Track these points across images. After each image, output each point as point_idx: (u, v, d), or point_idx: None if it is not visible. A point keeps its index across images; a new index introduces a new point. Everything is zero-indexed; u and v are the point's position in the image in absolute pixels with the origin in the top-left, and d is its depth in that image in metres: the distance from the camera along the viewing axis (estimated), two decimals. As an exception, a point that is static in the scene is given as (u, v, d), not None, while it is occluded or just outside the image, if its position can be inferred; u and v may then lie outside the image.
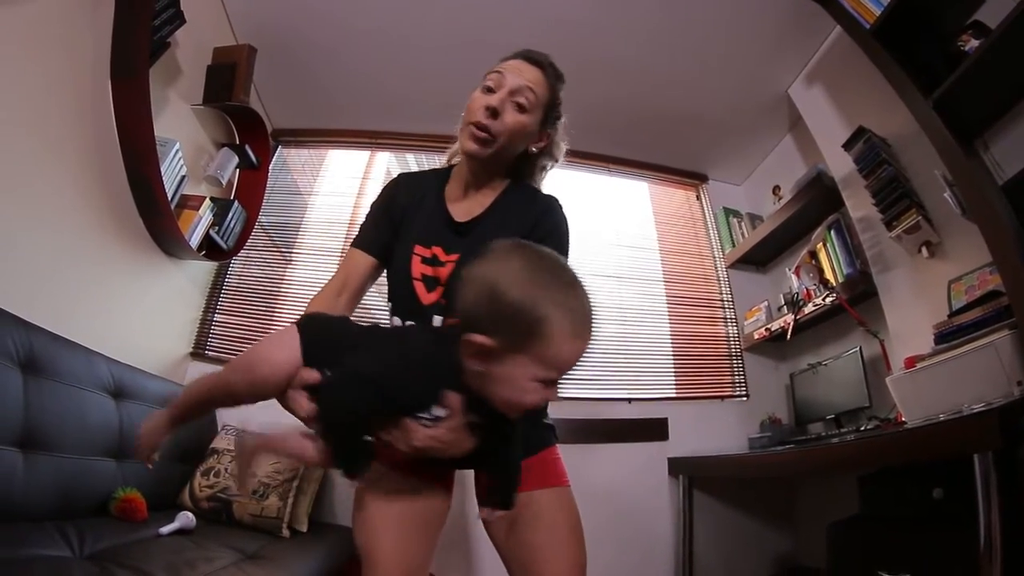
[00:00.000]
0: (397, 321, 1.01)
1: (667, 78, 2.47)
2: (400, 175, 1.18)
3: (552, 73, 1.05)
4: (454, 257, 0.99)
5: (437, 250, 1.01)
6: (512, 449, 0.85)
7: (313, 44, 2.38)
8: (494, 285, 0.63)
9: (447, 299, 0.96)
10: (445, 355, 0.69)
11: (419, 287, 0.99)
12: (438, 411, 0.71)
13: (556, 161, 1.14)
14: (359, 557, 0.94)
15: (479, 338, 0.63)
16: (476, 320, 0.64)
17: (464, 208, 1.06)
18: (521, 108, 0.99)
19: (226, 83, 2.15)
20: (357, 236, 1.10)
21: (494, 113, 0.97)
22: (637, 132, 2.83)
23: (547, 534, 0.95)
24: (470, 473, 1.04)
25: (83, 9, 1.54)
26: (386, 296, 1.07)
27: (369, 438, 0.72)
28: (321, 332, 0.80)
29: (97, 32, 1.59)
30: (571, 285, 0.66)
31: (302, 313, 0.92)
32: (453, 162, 1.15)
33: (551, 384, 0.67)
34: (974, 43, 1.47)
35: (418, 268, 1.00)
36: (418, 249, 1.01)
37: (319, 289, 1.06)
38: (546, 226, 1.02)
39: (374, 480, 0.98)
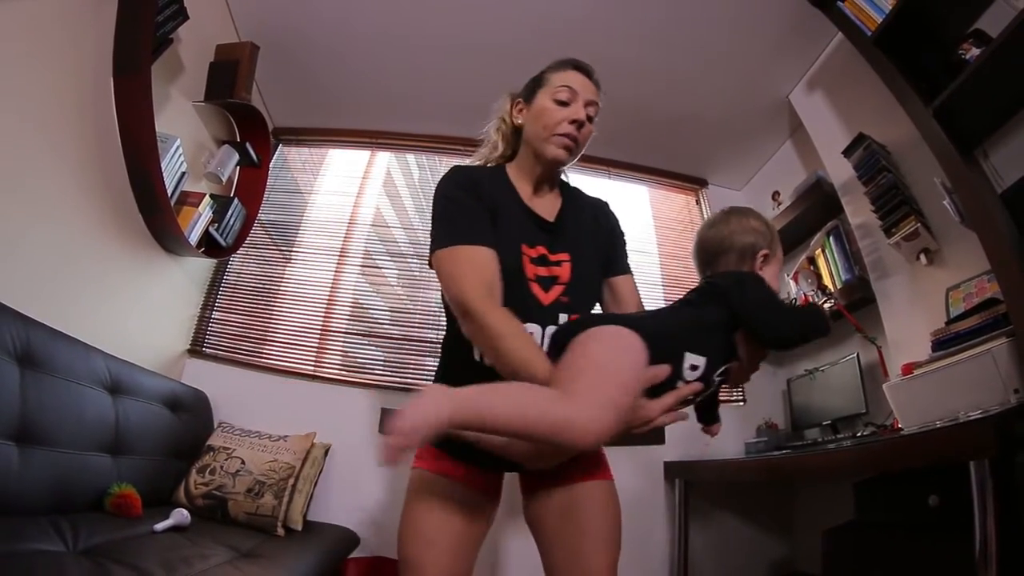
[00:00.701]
0: None
1: (668, 82, 2.47)
2: (459, 167, 1.09)
3: (598, 84, 1.12)
4: (564, 256, 1.04)
5: (542, 250, 1.03)
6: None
7: (315, 43, 2.39)
8: (747, 224, 0.99)
9: (570, 297, 1.00)
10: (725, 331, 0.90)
11: (535, 288, 0.99)
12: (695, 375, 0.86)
13: None
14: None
15: (763, 251, 0.96)
16: (752, 246, 0.97)
17: (541, 207, 1.09)
18: (590, 120, 1.09)
19: (228, 80, 2.15)
20: (457, 232, 0.95)
21: (580, 125, 1.05)
22: (637, 136, 2.83)
23: (599, 522, 0.99)
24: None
25: (86, 5, 1.54)
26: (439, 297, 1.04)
27: None
28: (647, 325, 0.82)
29: (100, 28, 1.59)
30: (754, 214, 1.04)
31: (489, 334, 0.84)
32: (489, 162, 1.17)
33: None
34: (975, 52, 1.47)
35: (531, 268, 1.00)
36: (525, 248, 1.01)
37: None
38: (614, 223, 1.20)
39: (426, 489, 1.00)
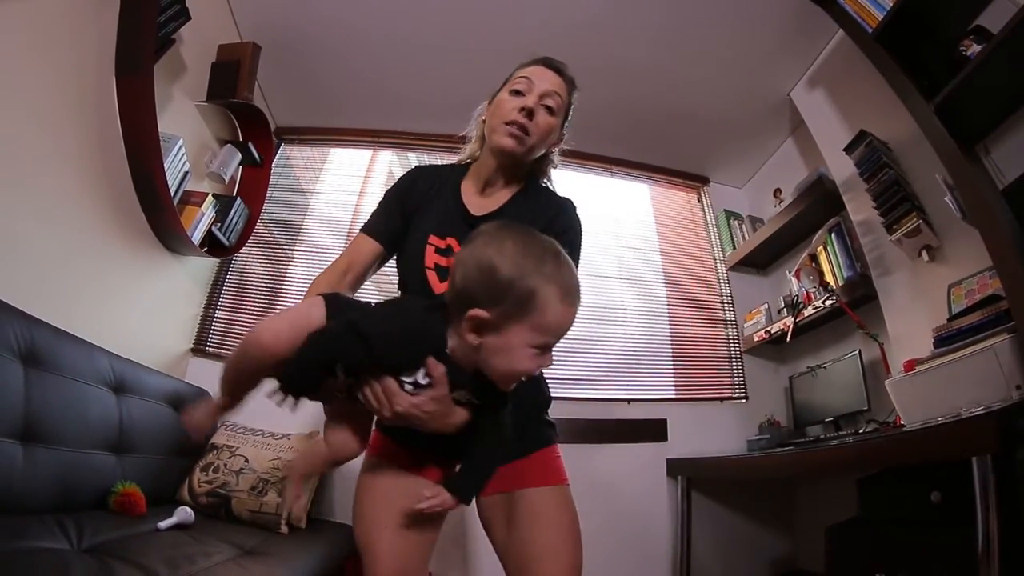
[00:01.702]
0: None
1: (669, 80, 2.47)
2: (417, 167, 1.20)
3: (569, 80, 1.10)
4: None
5: (452, 241, 1.03)
6: (497, 438, 0.85)
7: (317, 43, 2.39)
8: (488, 262, 0.70)
9: None
10: (434, 322, 0.75)
11: (432, 276, 1.02)
12: (422, 379, 0.74)
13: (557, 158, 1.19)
14: (358, 552, 0.95)
15: (477, 311, 0.69)
16: (473, 296, 0.70)
17: (480, 203, 1.09)
18: (550, 111, 1.05)
19: (230, 80, 2.16)
20: (367, 222, 1.12)
21: (529, 114, 1.02)
22: (639, 134, 2.83)
23: (546, 532, 0.96)
24: None
25: (88, 5, 1.54)
26: (396, 285, 1.11)
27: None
28: (346, 307, 0.83)
29: (102, 28, 1.59)
30: (557, 257, 0.73)
31: (308, 290, 1.02)
32: (466, 162, 1.17)
33: (545, 350, 0.73)
34: (976, 48, 1.47)
35: (431, 258, 1.03)
36: (432, 239, 1.04)
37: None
38: (559, 225, 1.05)
39: (373, 474, 1.00)
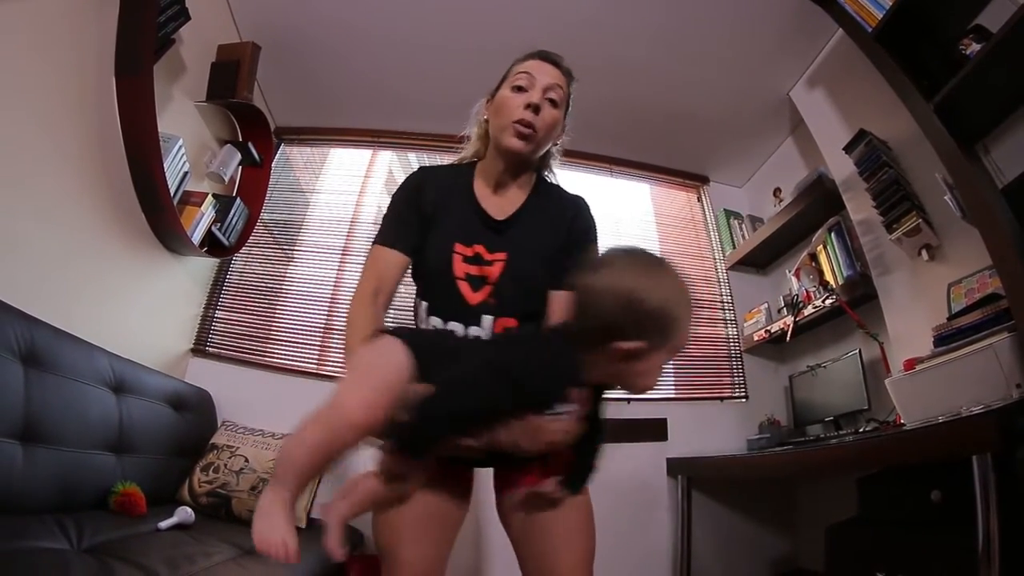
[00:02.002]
0: (437, 321, 0.99)
1: (669, 79, 2.47)
2: (421, 168, 1.16)
3: (567, 71, 1.08)
4: (500, 256, 1.00)
5: (479, 248, 1.00)
6: (602, 435, 0.87)
7: (317, 43, 2.39)
8: (631, 294, 0.69)
9: (496, 298, 0.98)
10: (566, 352, 0.74)
11: (464, 287, 0.98)
12: (562, 407, 0.75)
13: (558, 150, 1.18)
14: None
15: (629, 344, 0.70)
16: (619, 329, 0.70)
17: (497, 205, 1.06)
18: (554, 104, 1.04)
19: (230, 80, 2.16)
20: (383, 233, 1.05)
21: (536, 109, 1.01)
22: (639, 133, 2.83)
23: (563, 523, 0.97)
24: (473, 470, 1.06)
25: (88, 5, 1.54)
26: (416, 294, 1.07)
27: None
28: (426, 344, 0.78)
29: (102, 28, 1.59)
30: (677, 277, 0.75)
31: (347, 320, 0.97)
32: (466, 160, 1.16)
33: None
34: (975, 47, 1.47)
35: (460, 267, 0.99)
36: (459, 248, 1.00)
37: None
38: (581, 226, 1.08)
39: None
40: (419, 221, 1.04)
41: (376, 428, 0.70)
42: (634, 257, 0.76)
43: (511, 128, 1.01)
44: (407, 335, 0.77)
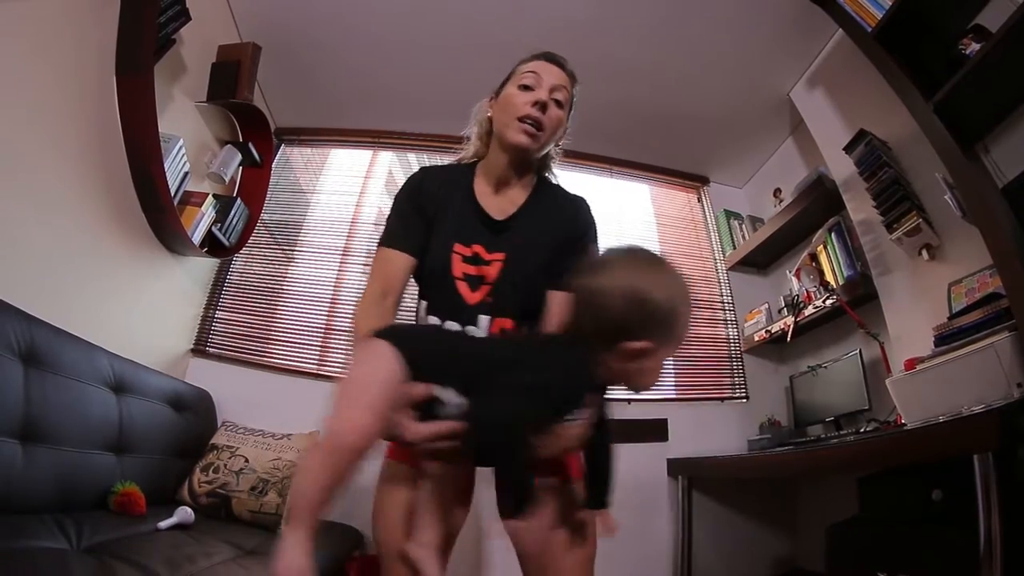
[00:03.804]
0: (435, 320, 0.99)
1: (669, 80, 2.48)
2: (422, 168, 1.15)
3: (571, 74, 1.09)
4: (499, 256, 1.00)
5: (478, 248, 1.01)
6: (608, 436, 0.87)
7: (317, 43, 2.39)
8: (638, 294, 0.70)
9: (494, 298, 0.98)
10: (581, 359, 0.74)
11: (462, 286, 0.99)
12: (579, 412, 0.76)
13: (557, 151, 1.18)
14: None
15: (638, 344, 0.71)
16: (627, 328, 0.71)
17: (497, 205, 1.06)
18: (559, 104, 1.05)
19: (230, 81, 2.16)
20: (388, 235, 1.05)
21: (542, 107, 1.01)
22: (639, 134, 2.83)
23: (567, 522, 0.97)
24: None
25: (89, 5, 1.55)
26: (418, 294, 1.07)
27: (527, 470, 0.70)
28: (419, 342, 0.77)
29: (103, 28, 1.60)
30: (677, 274, 0.77)
31: (354, 323, 0.95)
32: (466, 160, 1.16)
33: None
34: (975, 47, 1.47)
35: (459, 267, 0.99)
36: (458, 248, 1.00)
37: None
38: (582, 226, 1.09)
39: (398, 480, 0.98)
40: (422, 222, 1.05)
41: (376, 441, 0.70)
42: (636, 256, 0.77)
43: (516, 124, 1.02)
44: (395, 336, 0.76)
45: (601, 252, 0.80)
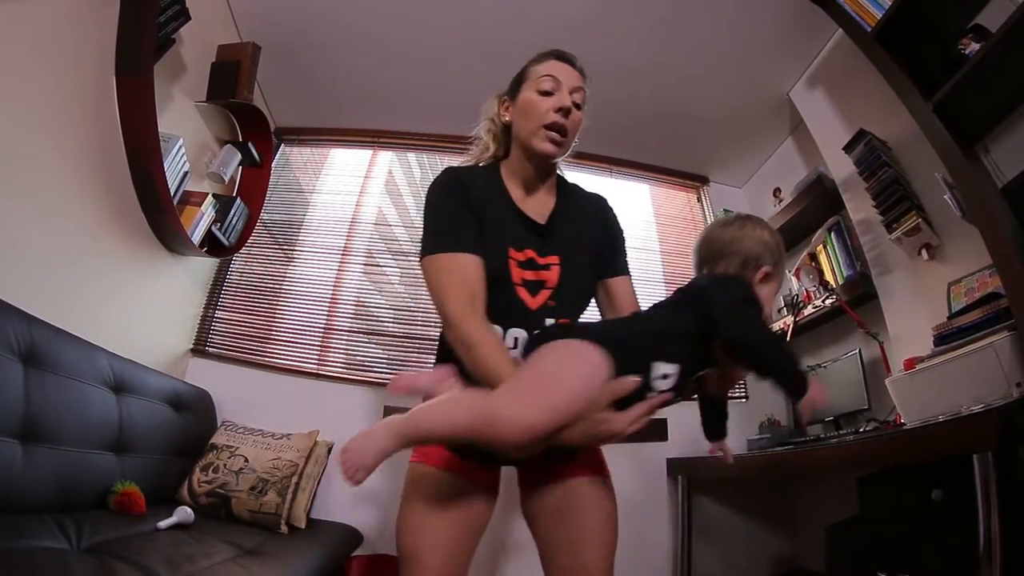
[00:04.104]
0: (497, 329, 0.95)
1: (669, 80, 2.48)
2: (452, 169, 1.09)
3: (582, 71, 1.09)
4: (553, 260, 1.02)
5: (530, 253, 1.01)
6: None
7: (317, 43, 2.39)
8: (763, 236, 0.95)
9: (556, 301, 0.99)
10: (744, 279, 0.93)
11: (523, 292, 0.98)
12: (666, 369, 0.83)
13: None
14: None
15: (768, 267, 0.93)
16: (760, 258, 0.93)
17: (534, 209, 1.07)
18: (578, 106, 1.05)
19: (230, 81, 2.16)
20: (445, 239, 0.96)
21: (566, 113, 1.02)
22: (639, 134, 2.83)
23: (593, 518, 0.99)
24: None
25: (89, 5, 1.54)
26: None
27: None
28: (615, 339, 0.81)
29: (102, 28, 1.59)
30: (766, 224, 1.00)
31: (467, 343, 0.87)
32: (482, 162, 1.14)
33: None
34: (975, 47, 1.47)
35: (517, 273, 0.98)
36: (513, 253, 0.99)
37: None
38: (613, 221, 1.17)
39: (429, 484, 0.99)
40: (476, 223, 0.99)
41: (538, 438, 0.71)
42: (750, 217, 1.00)
43: (542, 132, 1.01)
44: (599, 337, 0.79)
45: (724, 217, 1.03)
